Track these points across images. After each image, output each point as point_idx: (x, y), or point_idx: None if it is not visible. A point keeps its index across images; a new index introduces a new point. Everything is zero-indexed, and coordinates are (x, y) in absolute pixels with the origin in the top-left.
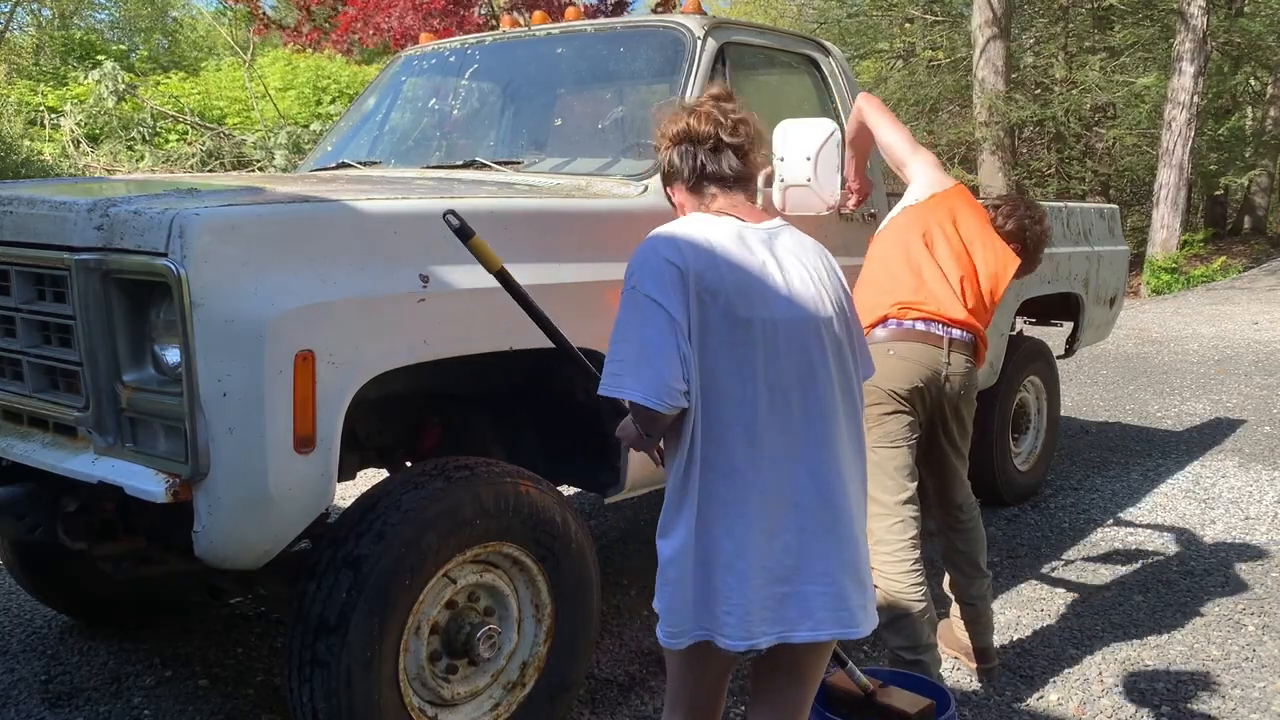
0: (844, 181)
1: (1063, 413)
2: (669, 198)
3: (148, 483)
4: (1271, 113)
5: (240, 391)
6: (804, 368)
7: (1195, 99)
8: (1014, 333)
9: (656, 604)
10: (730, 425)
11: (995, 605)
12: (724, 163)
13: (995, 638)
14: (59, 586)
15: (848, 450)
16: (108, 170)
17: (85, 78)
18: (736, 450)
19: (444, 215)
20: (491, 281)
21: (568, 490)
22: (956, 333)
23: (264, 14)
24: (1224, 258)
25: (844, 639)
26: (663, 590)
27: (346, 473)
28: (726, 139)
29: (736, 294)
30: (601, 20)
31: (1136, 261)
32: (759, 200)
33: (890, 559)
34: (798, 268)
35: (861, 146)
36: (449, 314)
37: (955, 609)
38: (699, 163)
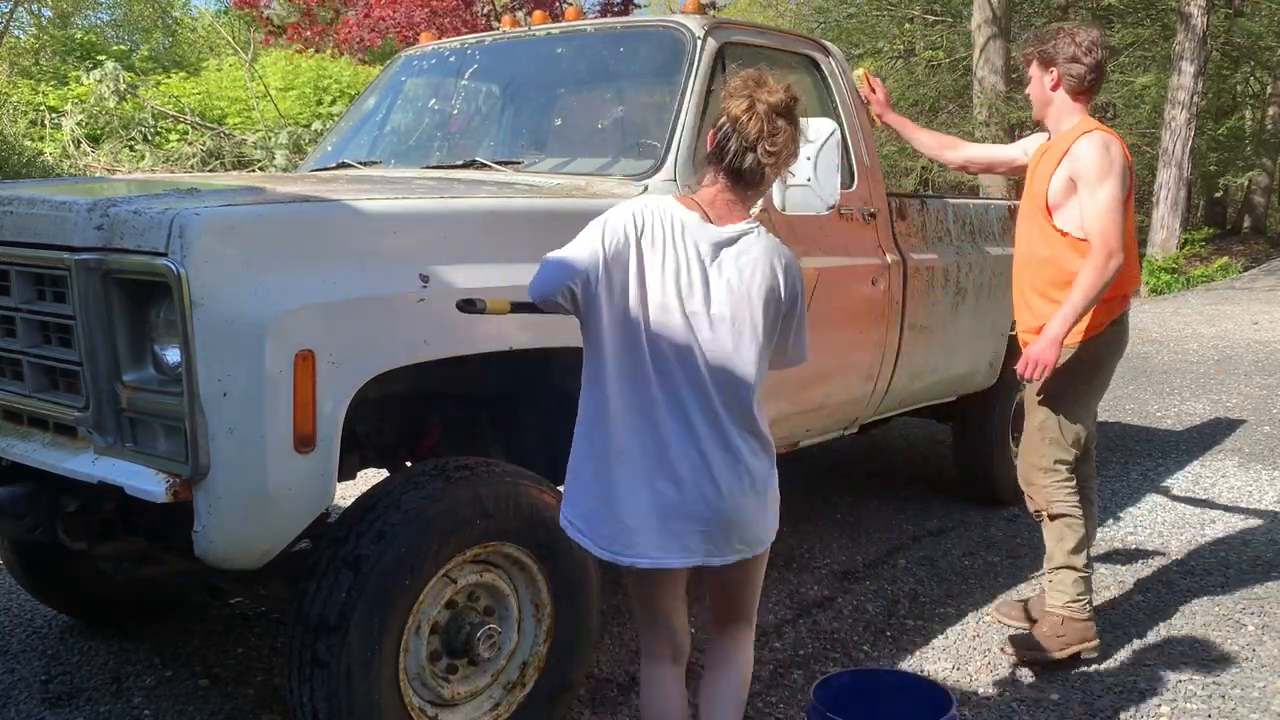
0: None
1: None
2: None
3: (148, 483)
4: (1271, 112)
5: (240, 391)
6: (699, 353)
7: (1195, 99)
8: (1014, 332)
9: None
10: (615, 375)
11: (995, 605)
12: (745, 161)
13: (995, 638)
14: (59, 586)
15: (728, 429)
16: (108, 170)
17: (86, 78)
18: (617, 395)
19: (457, 305)
20: (491, 282)
21: None
22: None
23: (265, 18)
24: (1224, 258)
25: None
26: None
27: (346, 473)
28: (760, 154)
29: (658, 274)
30: (601, 20)
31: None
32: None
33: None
34: (734, 270)
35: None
36: (449, 314)
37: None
38: (724, 148)
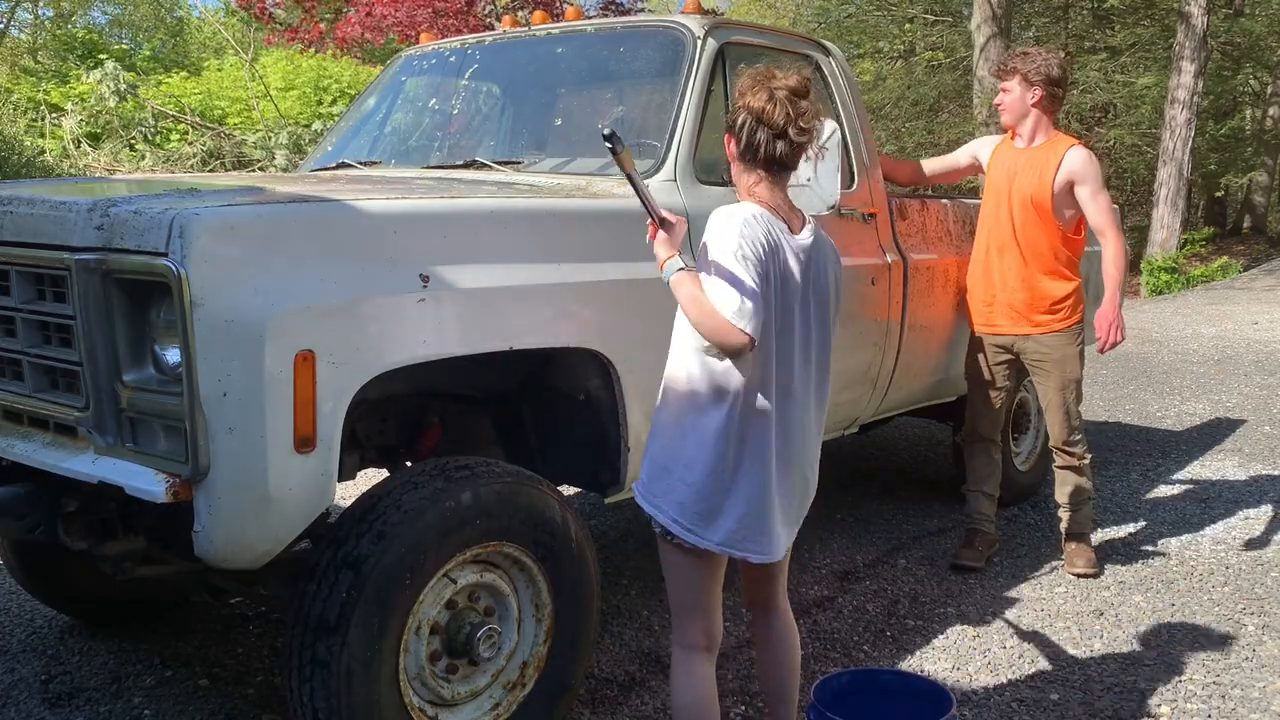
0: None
1: None
2: (726, 145)
3: (148, 483)
4: (1271, 112)
5: (240, 391)
6: (809, 348)
7: (1195, 99)
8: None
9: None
10: (758, 373)
11: (995, 605)
12: (777, 149)
13: (995, 638)
14: (59, 586)
15: (821, 419)
16: (109, 170)
17: (87, 77)
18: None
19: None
20: (491, 282)
21: (568, 490)
22: None
23: (269, 16)
24: (1224, 258)
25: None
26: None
27: (346, 473)
28: (793, 135)
29: (780, 280)
30: (601, 20)
31: (1136, 262)
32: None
33: None
34: (817, 274)
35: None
36: (449, 314)
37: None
38: (754, 142)
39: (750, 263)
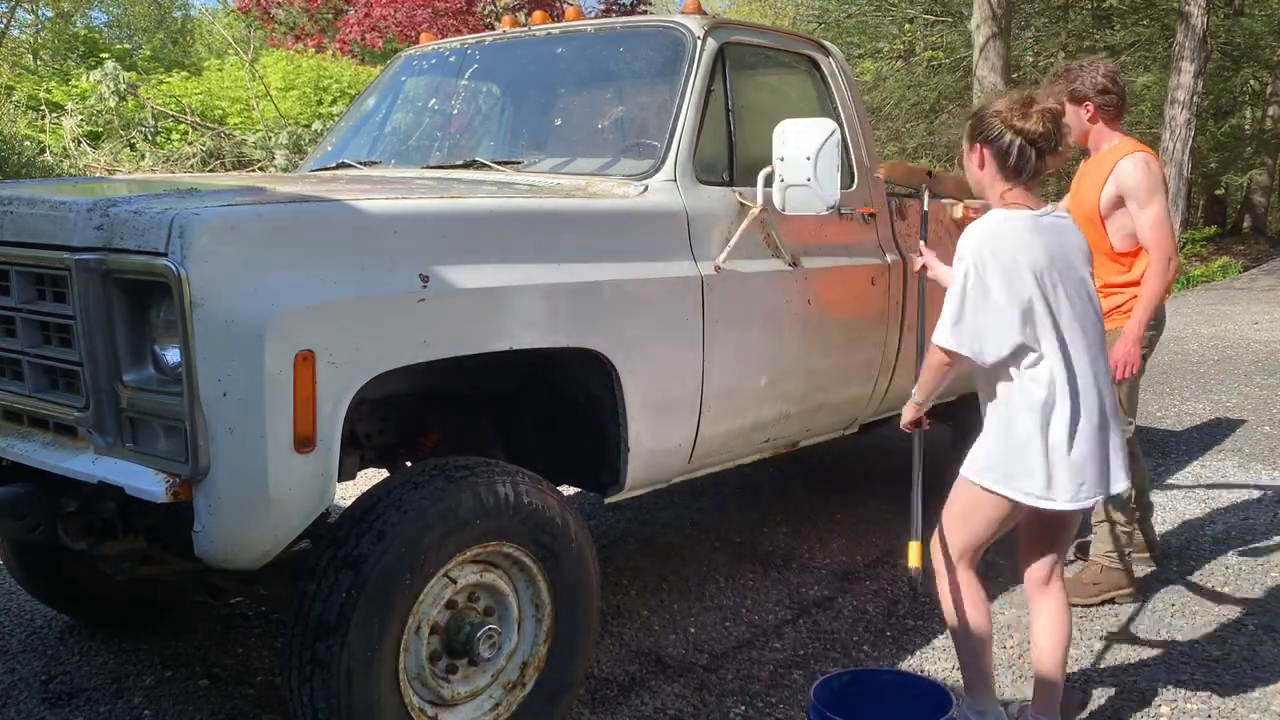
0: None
1: None
2: (969, 151)
3: (148, 483)
4: (1271, 112)
5: (240, 391)
6: (1076, 304)
7: (1195, 99)
8: None
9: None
10: (1058, 356)
11: (995, 606)
12: (1041, 165)
13: (995, 638)
14: (59, 586)
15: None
16: (108, 170)
17: (87, 76)
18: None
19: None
20: (491, 282)
21: (568, 490)
22: None
23: (271, 18)
24: (1224, 258)
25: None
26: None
27: (346, 473)
28: (1049, 152)
29: (1039, 264)
30: (601, 20)
31: None
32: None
33: None
34: (1061, 239)
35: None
36: (449, 314)
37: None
38: (1024, 159)
39: (975, 284)
